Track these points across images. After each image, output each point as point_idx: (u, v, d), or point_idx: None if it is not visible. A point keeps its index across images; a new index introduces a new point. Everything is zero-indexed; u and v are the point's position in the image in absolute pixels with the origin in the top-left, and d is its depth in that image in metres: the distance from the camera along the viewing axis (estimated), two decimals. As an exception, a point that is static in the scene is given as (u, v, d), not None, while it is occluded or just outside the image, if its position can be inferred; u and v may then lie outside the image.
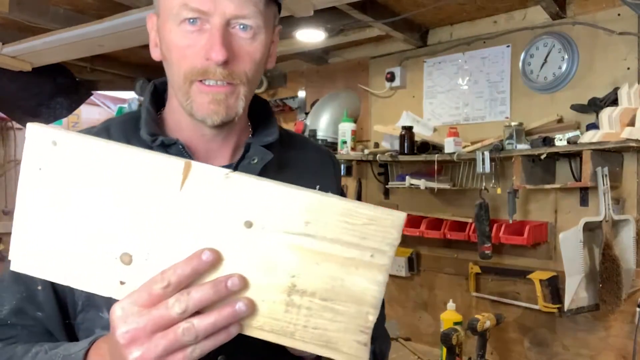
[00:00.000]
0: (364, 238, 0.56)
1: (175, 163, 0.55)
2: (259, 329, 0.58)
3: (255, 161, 0.85)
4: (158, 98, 0.89)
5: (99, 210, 0.56)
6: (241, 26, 0.77)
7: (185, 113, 0.81)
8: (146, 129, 0.81)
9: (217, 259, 0.55)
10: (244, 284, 0.56)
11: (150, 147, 0.78)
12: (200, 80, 0.77)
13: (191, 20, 0.76)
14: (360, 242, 0.56)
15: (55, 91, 3.16)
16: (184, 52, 0.77)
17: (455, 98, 2.58)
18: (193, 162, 0.56)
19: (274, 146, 0.89)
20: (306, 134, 2.89)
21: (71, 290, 0.79)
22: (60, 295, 0.80)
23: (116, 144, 0.56)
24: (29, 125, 0.56)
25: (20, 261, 0.57)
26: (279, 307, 0.57)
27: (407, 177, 2.46)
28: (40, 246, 0.57)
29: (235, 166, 0.85)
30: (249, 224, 0.56)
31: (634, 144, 1.81)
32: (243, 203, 0.55)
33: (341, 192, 1.07)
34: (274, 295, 0.57)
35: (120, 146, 0.56)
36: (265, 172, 0.83)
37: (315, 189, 0.58)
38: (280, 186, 0.56)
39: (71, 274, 0.57)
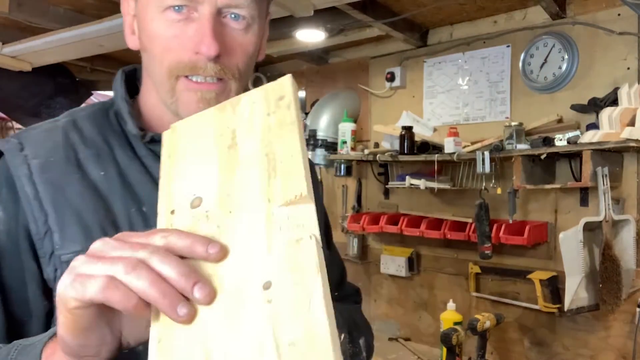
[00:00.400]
0: None
1: (302, 187, 0.51)
2: (155, 343, 0.47)
3: None
4: (128, 88, 0.81)
5: (229, 159, 0.57)
6: (233, 15, 0.70)
7: (168, 111, 0.74)
8: (135, 123, 0.74)
9: (218, 259, 0.49)
10: (209, 300, 0.47)
11: (137, 143, 0.75)
12: (187, 76, 0.70)
13: (177, 8, 0.68)
14: None
15: (55, 91, 3.17)
16: (168, 43, 0.69)
17: (455, 98, 2.58)
18: (312, 204, 0.51)
19: None
20: (306, 134, 2.89)
21: (41, 313, 0.69)
22: (18, 318, 0.68)
23: (299, 133, 0.55)
24: (289, 75, 0.62)
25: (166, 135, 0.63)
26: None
27: (407, 177, 2.46)
28: (186, 128, 0.62)
29: None
30: (267, 286, 0.47)
31: (634, 144, 1.81)
32: (290, 266, 0.48)
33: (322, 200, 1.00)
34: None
35: (298, 136, 0.55)
36: None
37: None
38: (321, 291, 0.46)
39: (171, 171, 0.59)
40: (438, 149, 2.41)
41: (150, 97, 0.78)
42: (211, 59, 0.68)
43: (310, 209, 0.50)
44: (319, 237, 0.49)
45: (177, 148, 0.61)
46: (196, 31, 0.68)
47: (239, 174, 0.55)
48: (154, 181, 0.71)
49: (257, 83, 3.39)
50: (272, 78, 3.38)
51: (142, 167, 0.74)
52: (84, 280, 0.46)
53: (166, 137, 0.63)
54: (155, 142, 0.74)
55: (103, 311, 0.48)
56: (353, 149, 2.70)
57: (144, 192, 0.72)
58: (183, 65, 0.69)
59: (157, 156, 0.68)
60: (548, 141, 2.04)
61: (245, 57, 0.73)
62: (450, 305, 2.25)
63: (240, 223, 0.52)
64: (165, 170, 0.60)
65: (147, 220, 0.70)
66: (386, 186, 2.71)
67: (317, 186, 0.91)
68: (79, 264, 0.47)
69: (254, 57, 0.76)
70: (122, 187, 0.72)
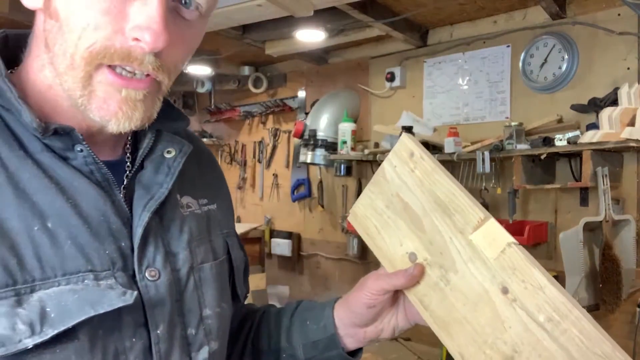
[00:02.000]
0: None
1: (477, 212, 0.65)
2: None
3: (173, 154, 0.67)
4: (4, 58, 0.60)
5: (410, 216, 0.72)
6: (186, 1, 0.57)
7: (68, 99, 0.57)
8: (32, 113, 0.56)
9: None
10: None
11: (29, 137, 0.57)
12: (110, 66, 0.54)
13: None
14: None
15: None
16: (96, 18, 0.52)
17: (455, 98, 2.58)
18: (491, 219, 0.65)
19: (182, 136, 0.71)
20: (306, 134, 2.89)
21: None
22: None
23: (443, 172, 0.69)
24: (404, 134, 0.75)
25: (351, 216, 0.81)
26: None
27: (407, 177, 2.46)
28: (362, 210, 0.79)
29: (141, 161, 0.66)
30: (505, 290, 0.62)
31: (634, 144, 1.81)
32: (508, 272, 0.62)
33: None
34: (494, 355, 0.63)
35: (444, 175, 0.69)
36: (184, 171, 0.68)
37: (227, 196, 0.79)
38: (545, 278, 0.59)
39: (374, 243, 0.77)
40: (438, 149, 2.41)
41: (44, 76, 0.59)
42: (155, 51, 0.54)
43: (494, 223, 0.64)
44: (514, 240, 0.62)
45: (368, 226, 0.78)
46: (141, 11, 0.53)
47: (426, 224, 0.70)
48: (58, 186, 0.56)
49: (257, 83, 3.39)
50: (272, 78, 3.39)
51: (38, 168, 0.56)
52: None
53: (352, 221, 0.81)
54: (59, 134, 0.57)
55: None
56: (353, 149, 2.70)
57: (46, 202, 0.55)
58: (112, 52, 0.53)
59: (54, 152, 0.58)
60: (548, 141, 2.04)
61: (187, 54, 0.61)
62: (450, 305, 2.25)
63: (453, 257, 0.67)
64: (372, 244, 0.78)
65: (54, 238, 0.54)
66: (386, 186, 2.70)
67: (223, 180, 0.84)
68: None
69: (192, 55, 0.64)
70: (16, 198, 0.54)
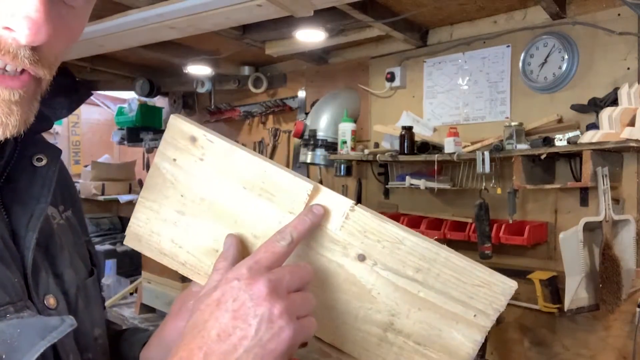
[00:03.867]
0: (472, 298, 0.56)
1: (304, 184, 0.56)
2: (348, 354, 0.60)
3: (44, 162, 0.57)
4: None
5: (216, 214, 0.58)
6: None
7: None
8: None
9: (325, 212, 0.56)
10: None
11: None
12: None
13: None
14: (467, 301, 0.56)
15: (55, 91, 3.16)
16: None
17: (455, 98, 2.58)
18: (322, 188, 0.57)
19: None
20: (306, 134, 2.89)
21: None
22: None
23: (244, 150, 0.57)
24: (173, 116, 0.57)
25: (130, 239, 0.63)
26: (372, 339, 0.58)
27: (407, 177, 2.46)
28: (146, 228, 0.61)
29: (4, 170, 0.55)
30: (361, 258, 0.57)
31: (634, 144, 1.81)
32: (360, 237, 0.56)
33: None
34: (370, 328, 0.58)
35: (247, 153, 0.57)
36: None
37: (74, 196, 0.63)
38: (400, 230, 0.56)
39: (177, 261, 0.61)
40: (438, 149, 2.41)
41: None
42: (34, 45, 0.44)
43: (328, 191, 0.57)
44: (355, 202, 0.56)
45: (161, 245, 0.61)
46: None
47: (242, 217, 0.58)
48: None
49: (257, 83, 3.38)
50: (272, 78, 3.38)
51: None
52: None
53: (136, 245, 0.63)
54: None
55: None
56: (353, 149, 2.70)
57: None
58: None
59: None
60: (548, 141, 2.04)
61: (70, 44, 0.52)
62: (450, 305, 2.25)
63: None
64: (175, 264, 0.61)
65: None
66: (386, 186, 2.70)
67: (71, 179, 0.73)
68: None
69: (75, 42, 0.54)
70: None
